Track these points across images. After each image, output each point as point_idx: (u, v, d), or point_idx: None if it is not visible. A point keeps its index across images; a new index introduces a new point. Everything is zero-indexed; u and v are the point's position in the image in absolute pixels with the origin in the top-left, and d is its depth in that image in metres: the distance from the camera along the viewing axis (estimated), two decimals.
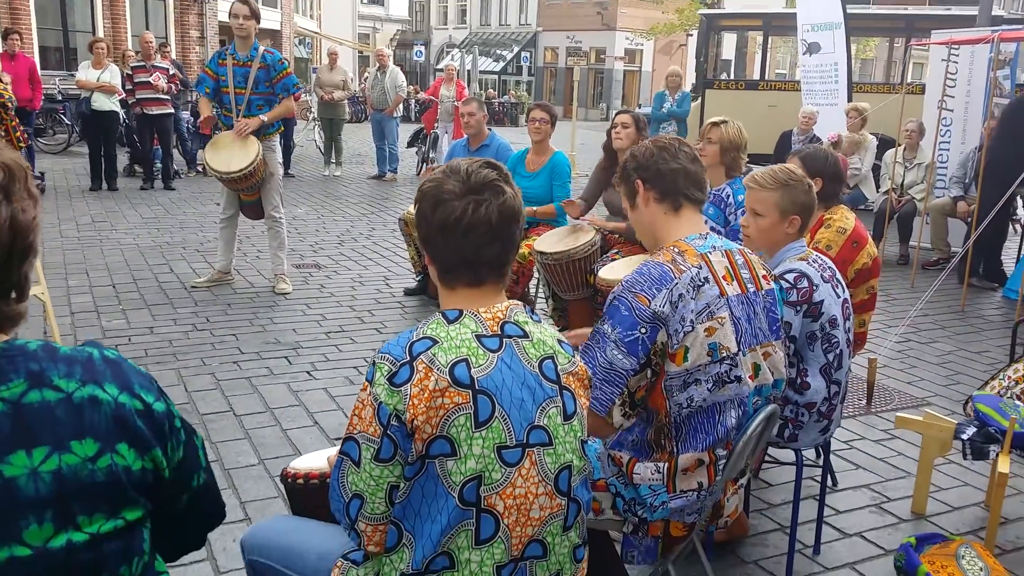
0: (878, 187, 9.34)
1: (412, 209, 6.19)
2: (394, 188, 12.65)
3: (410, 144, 14.33)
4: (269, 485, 3.43)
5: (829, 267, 2.87)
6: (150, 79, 10.33)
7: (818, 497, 3.25)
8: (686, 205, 2.27)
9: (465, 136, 6.50)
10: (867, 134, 9.16)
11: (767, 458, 3.76)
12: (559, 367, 1.71)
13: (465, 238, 1.66)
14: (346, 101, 13.65)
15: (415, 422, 1.54)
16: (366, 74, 31.91)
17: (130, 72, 10.73)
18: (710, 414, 2.16)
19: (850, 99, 10.23)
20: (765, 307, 2.28)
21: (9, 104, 8.43)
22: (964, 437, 3.31)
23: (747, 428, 2.17)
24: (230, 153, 5.98)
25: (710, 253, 2.20)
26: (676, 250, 2.18)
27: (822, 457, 3.37)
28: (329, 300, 6.31)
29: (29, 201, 1.19)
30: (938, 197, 8.54)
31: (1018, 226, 9.21)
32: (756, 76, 22.22)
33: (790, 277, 2.76)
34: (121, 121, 11.38)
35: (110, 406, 1.22)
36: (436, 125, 13.41)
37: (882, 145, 9.72)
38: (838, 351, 2.84)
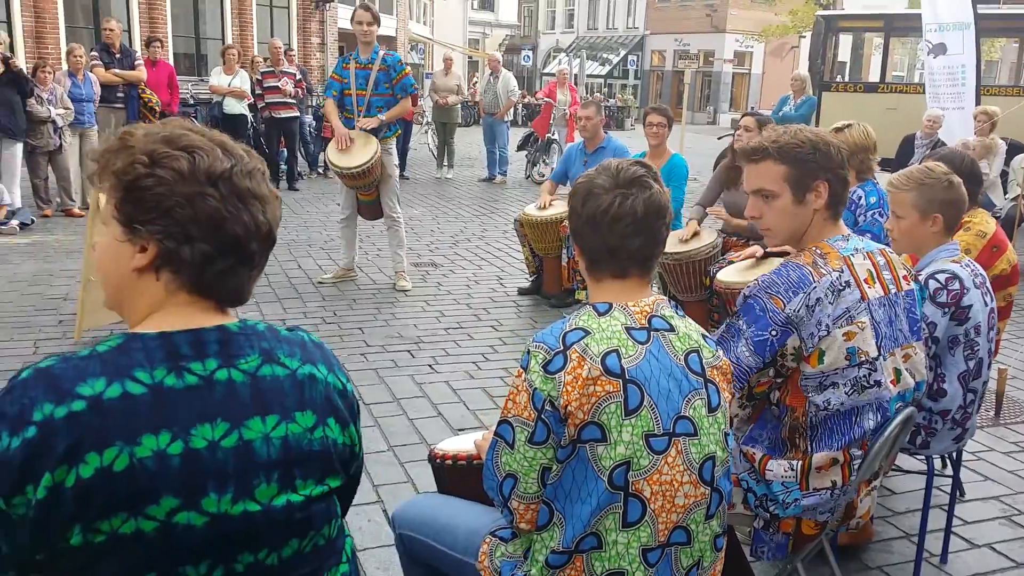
0: (1006, 192, 8.97)
1: (528, 211, 6.36)
2: (504, 191, 12.85)
3: (520, 147, 14.50)
4: (399, 470, 3.61)
5: (980, 274, 2.83)
6: (279, 84, 10.81)
7: (946, 507, 3.20)
8: (841, 214, 2.29)
9: (581, 139, 6.59)
10: (996, 138, 8.80)
11: (893, 467, 3.71)
12: (704, 361, 1.79)
13: (611, 230, 1.76)
14: (459, 105, 13.96)
15: (568, 408, 1.64)
16: (475, 79, 32.44)
17: (260, 77, 11.25)
18: (847, 416, 2.18)
19: (978, 102, 9.83)
20: (906, 308, 2.28)
21: (156, 108, 9.01)
22: None
23: (884, 430, 2.18)
24: (350, 150, 6.24)
25: (852, 256, 2.20)
26: (818, 252, 2.19)
27: (948, 467, 3.32)
28: (447, 298, 6.51)
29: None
30: None
31: None
32: (872, 78, 21.49)
33: (941, 277, 2.73)
34: (249, 124, 11.95)
35: (323, 384, 1.37)
36: (551, 129, 13.48)
37: (1011, 150, 9.31)
38: (979, 359, 2.80)
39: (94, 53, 9.77)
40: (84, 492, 1.14)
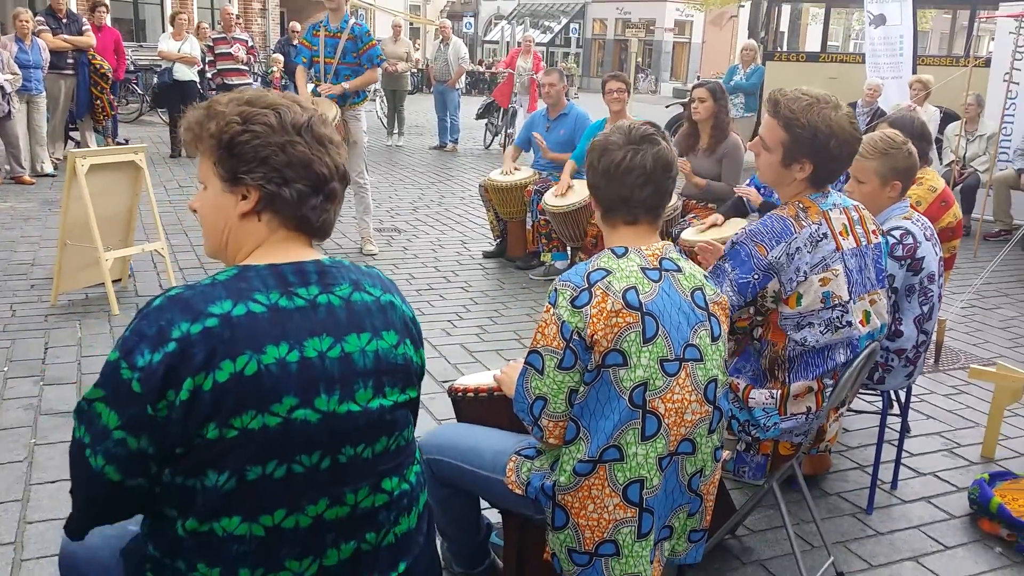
0: (941, 159, 9.45)
1: (493, 176, 6.52)
2: (456, 158, 12.97)
3: (480, 116, 14.51)
4: None
5: (929, 227, 3.13)
6: (231, 50, 10.73)
7: (895, 443, 3.53)
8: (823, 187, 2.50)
9: (544, 106, 6.78)
10: (929, 106, 9.24)
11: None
12: (707, 297, 2.04)
13: (623, 181, 2.00)
14: (408, 73, 13.97)
15: (594, 337, 1.88)
16: (417, 45, 32.16)
17: (211, 44, 11.13)
18: (821, 352, 2.45)
19: (914, 72, 10.28)
20: (874, 259, 2.56)
21: (109, 75, 8.86)
22: None
23: (852, 363, 2.46)
24: None
25: (830, 211, 2.45)
26: (800, 205, 2.44)
27: (895, 407, 3.66)
28: (414, 261, 6.68)
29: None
30: (1002, 170, 8.64)
31: None
32: (810, 48, 22.05)
33: (896, 233, 3.02)
34: (198, 91, 11.82)
35: (400, 310, 1.60)
36: (513, 99, 13.49)
37: (946, 118, 9.79)
38: (932, 304, 3.12)
39: (40, 19, 9.56)
40: (220, 394, 1.34)
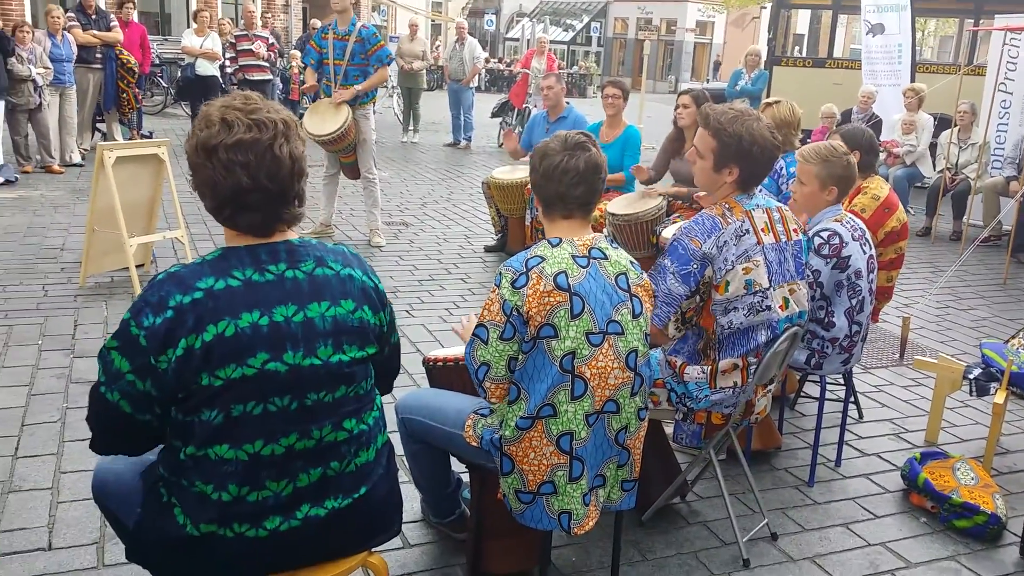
0: (934, 166, 9.71)
1: (495, 174, 6.89)
2: (468, 155, 13.34)
3: (495, 115, 14.87)
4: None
5: (860, 228, 3.46)
6: (252, 47, 11.15)
7: (845, 426, 3.85)
8: (750, 190, 2.85)
9: (545, 108, 7.13)
10: (923, 114, 9.49)
11: (802, 394, 4.40)
12: (630, 280, 2.40)
13: (560, 180, 2.37)
14: (424, 70, 14.34)
15: (530, 313, 2.24)
16: (437, 43, 32.54)
17: (233, 40, 11.56)
18: (745, 333, 2.80)
19: (913, 79, 10.54)
20: (793, 253, 2.90)
21: (135, 69, 9.27)
22: (971, 376, 3.90)
23: (774, 344, 2.81)
24: (323, 118, 6.74)
25: (753, 210, 2.81)
26: (727, 205, 2.80)
27: (845, 391, 4.00)
28: (418, 253, 7.06)
29: (299, 141, 1.88)
30: (992, 177, 8.90)
31: None
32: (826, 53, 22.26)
33: (824, 234, 3.37)
34: (220, 86, 12.25)
35: (360, 281, 1.95)
36: (528, 100, 13.76)
37: (942, 124, 10.02)
38: (861, 297, 3.45)
39: (71, 15, 10.03)
40: (207, 350, 1.72)
